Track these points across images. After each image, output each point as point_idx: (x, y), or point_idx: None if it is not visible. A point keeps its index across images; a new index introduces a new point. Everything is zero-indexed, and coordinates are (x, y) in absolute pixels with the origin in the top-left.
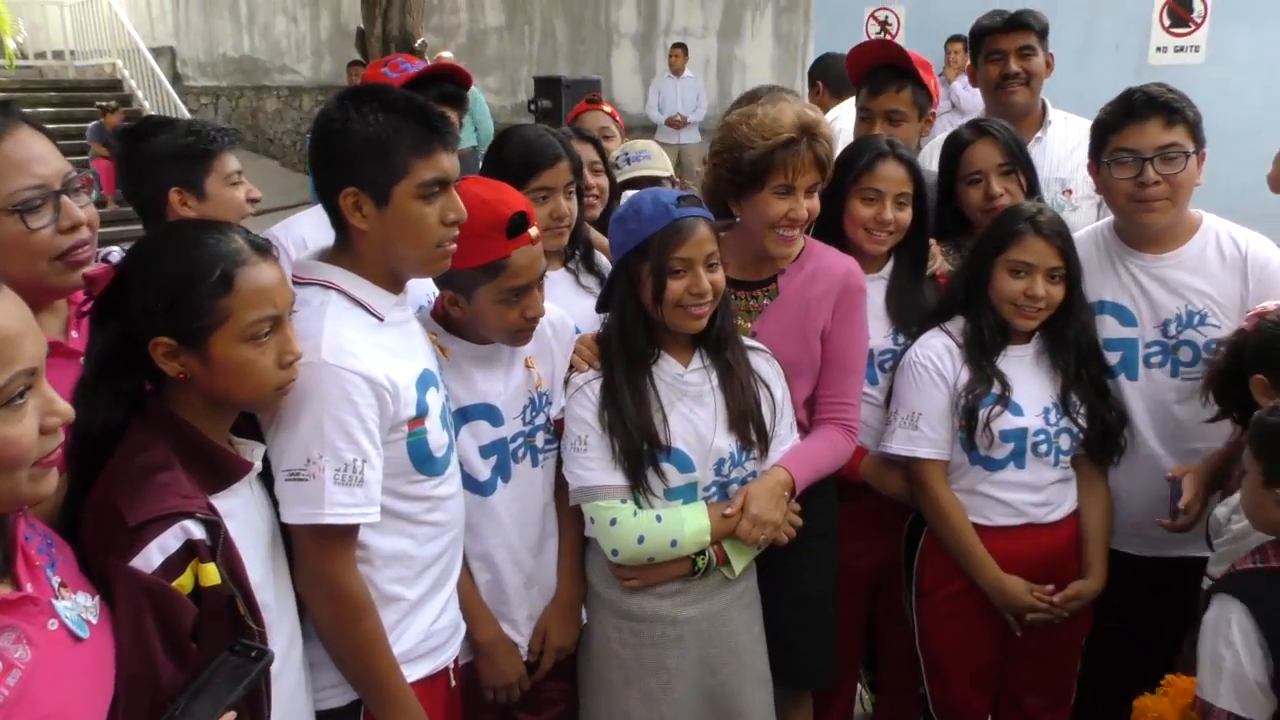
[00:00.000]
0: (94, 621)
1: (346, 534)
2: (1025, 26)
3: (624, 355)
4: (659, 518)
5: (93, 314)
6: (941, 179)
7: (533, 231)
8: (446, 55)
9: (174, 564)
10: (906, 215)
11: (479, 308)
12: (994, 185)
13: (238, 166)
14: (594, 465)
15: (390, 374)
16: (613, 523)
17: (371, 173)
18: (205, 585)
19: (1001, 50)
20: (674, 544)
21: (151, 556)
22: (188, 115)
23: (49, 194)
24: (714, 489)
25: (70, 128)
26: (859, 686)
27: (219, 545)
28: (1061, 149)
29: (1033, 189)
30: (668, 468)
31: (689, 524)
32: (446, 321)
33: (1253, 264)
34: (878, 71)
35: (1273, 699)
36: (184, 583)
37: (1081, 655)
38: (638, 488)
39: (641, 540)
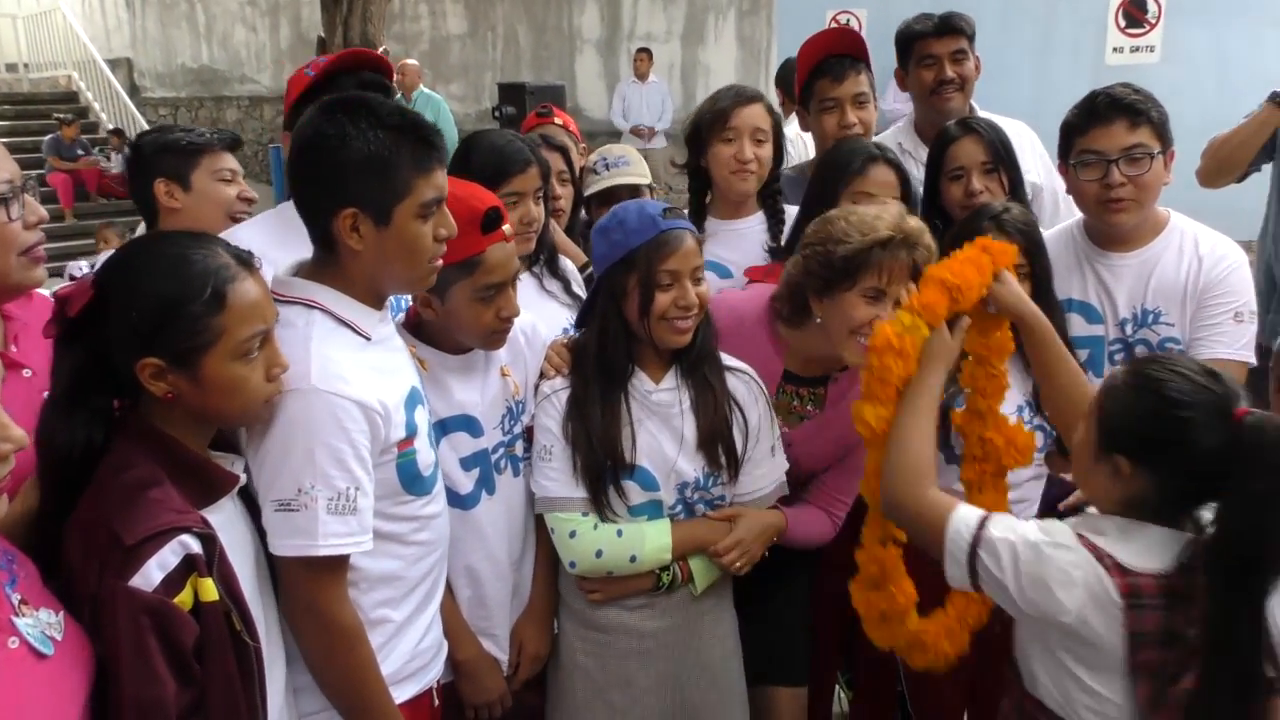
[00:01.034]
0: (58, 638)
1: (339, 563)
2: (958, 31)
3: (601, 370)
4: (620, 532)
5: (62, 333)
6: (928, 175)
7: (506, 228)
8: (411, 62)
9: (174, 580)
10: None
11: (453, 308)
12: (974, 182)
13: (233, 166)
14: (556, 476)
15: (381, 396)
16: (572, 535)
17: (373, 193)
18: (204, 601)
19: (934, 55)
20: (633, 559)
21: (151, 574)
22: (146, 127)
23: (16, 189)
24: (679, 508)
25: (26, 141)
26: (836, 686)
27: (215, 560)
28: None
29: (1015, 189)
30: (631, 485)
31: (649, 540)
32: (418, 331)
33: (1207, 256)
34: (833, 60)
35: None
36: (184, 600)
37: None
38: (598, 504)
39: (599, 554)
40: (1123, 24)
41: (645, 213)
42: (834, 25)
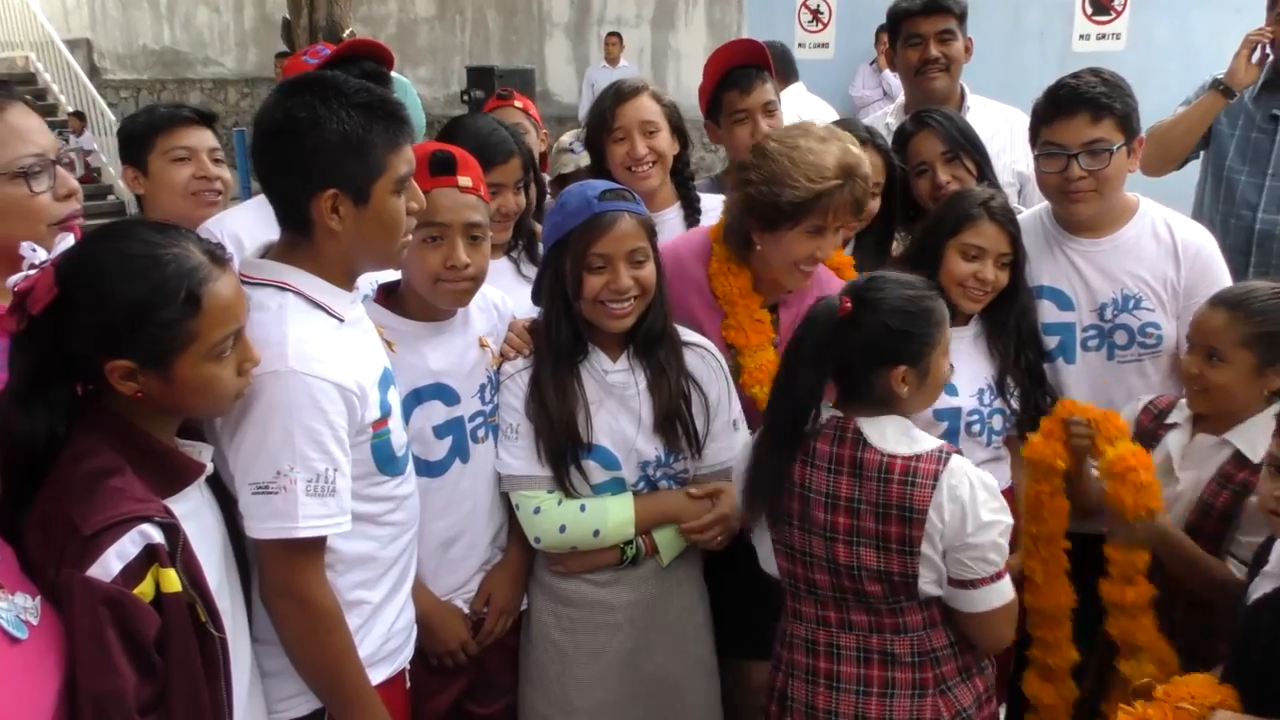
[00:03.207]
0: (34, 623)
1: (317, 545)
2: (945, 10)
3: (552, 350)
4: (583, 507)
5: (24, 329)
6: None
7: (462, 180)
8: None
9: (134, 570)
10: (875, 204)
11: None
12: (940, 174)
13: (189, 143)
14: (522, 455)
15: (357, 377)
16: (536, 511)
17: (352, 172)
18: (166, 592)
19: (921, 35)
20: (597, 534)
21: (110, 564)
22: (106, 110)
23: (48, 162)
24: (642, 485)
25: None
26: None
27: (178, 550)
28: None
29: (983, 172)
30: (592, 465)
31: (613, 515)
32: (390, 303)
33: (1184, 250)
34: (738, 72)
35: None
36: (145, 590)
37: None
38: (561, 483)
39: (563, 530)
40: (1090, 11)
41: (584, 195)
42: (805, 10)
